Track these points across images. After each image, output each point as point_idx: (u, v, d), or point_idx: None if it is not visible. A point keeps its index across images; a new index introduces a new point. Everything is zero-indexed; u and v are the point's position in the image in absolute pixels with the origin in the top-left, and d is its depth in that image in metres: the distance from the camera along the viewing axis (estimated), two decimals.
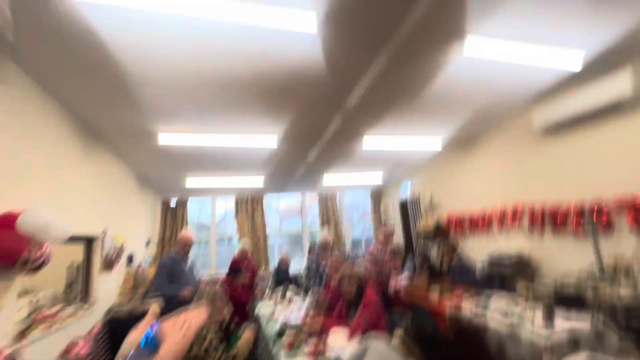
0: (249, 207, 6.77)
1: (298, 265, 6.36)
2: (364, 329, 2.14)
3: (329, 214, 7.24)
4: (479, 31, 2.15)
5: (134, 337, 0.52)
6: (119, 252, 3.87)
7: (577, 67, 2.66)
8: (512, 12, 2.01)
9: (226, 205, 7.16)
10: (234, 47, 2.11)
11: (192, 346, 1.85)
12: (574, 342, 1.89)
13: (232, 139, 3.60)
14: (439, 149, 4.69)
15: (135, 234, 4.73)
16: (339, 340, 2.07)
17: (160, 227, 6.20)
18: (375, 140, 4.10)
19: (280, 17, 1.84)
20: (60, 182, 2.77)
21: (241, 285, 3.84)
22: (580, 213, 3.09)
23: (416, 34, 2.10)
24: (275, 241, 7.33)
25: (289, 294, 3.80)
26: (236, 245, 7.01)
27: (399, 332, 1.76)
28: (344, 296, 2.33)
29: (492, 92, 3.11)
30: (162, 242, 6.14)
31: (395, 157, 5.34)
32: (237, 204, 6.73)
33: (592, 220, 2.95)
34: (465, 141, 4.64)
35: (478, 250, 4.38)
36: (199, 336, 1.87)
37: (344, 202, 7.66)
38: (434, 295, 3.14)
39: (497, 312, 2.41)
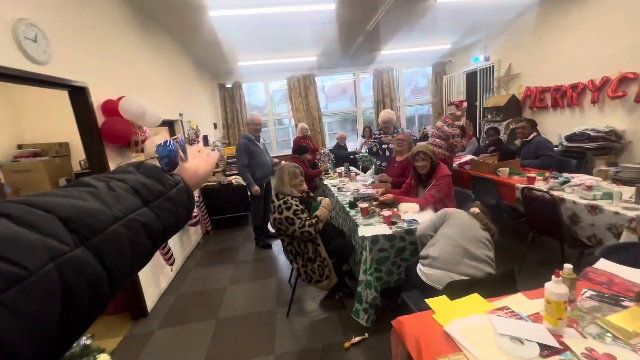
0: (301, 88, 6.61)
1: (352, 144, 6.56)
2: (435, 202, 2.27)
3: (384, 91, 6.83)
4: None
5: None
6: (196, 134, 4.26)
7: None
8: None
9: (277, 88, 7.07)
10: None
11: (282, 210, 2.20)
12: None
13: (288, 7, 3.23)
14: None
15: (203, 118, 5.06)
16: (411, 210, 2.26)
17: (221, 111, 6.53)
18: None
19: None
20: (131, 70, 2.84)
21: (306, 162, 4.19)
22: None
23: None
24: (326, 120, 7.35)
25: (352, 171, 4.04)
26: (288, 127, 7.28)
27: (473, 207, 1.80)
28: (418, 169, 2.37)
29: None
30: (226, 125, 6.57)
31: (471, 18, 4.42)
32: (289, 86, 6.58)
33: None
34: None
35: (559, 128, 3.99)
36: (285, 205, 2.18)
37: (400, 79, 7.06)
38: (501, 174, 3.09)
39: (575, 189, 2.34)
